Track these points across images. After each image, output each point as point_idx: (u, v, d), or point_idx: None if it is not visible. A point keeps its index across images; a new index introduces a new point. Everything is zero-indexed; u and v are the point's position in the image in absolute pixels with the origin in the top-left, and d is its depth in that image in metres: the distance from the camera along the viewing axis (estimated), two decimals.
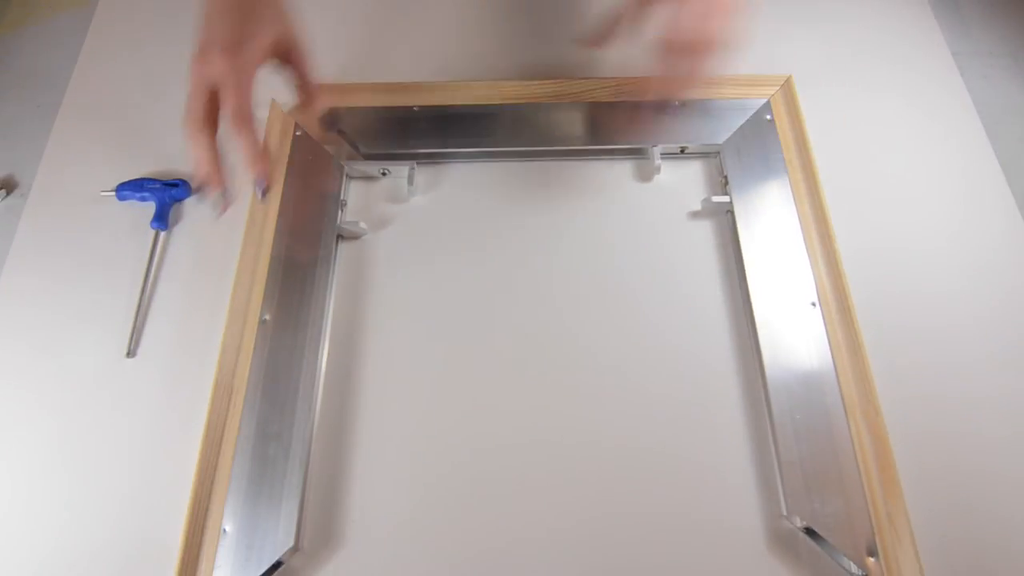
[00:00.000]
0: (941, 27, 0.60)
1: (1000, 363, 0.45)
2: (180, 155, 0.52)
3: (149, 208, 0.50)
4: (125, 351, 0.45)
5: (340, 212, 0.48)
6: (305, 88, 0.44)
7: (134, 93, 0.56)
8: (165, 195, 0.50)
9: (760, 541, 0.40)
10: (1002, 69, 0.59)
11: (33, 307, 0.47)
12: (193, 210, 0.51)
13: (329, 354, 0.46)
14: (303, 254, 0.46)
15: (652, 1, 0.43)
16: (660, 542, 0.40)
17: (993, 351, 0.46)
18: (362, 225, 0.49)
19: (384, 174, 0.51)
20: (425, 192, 0.52)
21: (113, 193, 0.50)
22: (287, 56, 0.43)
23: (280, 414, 0.41)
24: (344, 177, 0.50)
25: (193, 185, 0.48)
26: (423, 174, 0.52)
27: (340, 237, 0.49)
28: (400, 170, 0.50)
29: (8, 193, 0.53)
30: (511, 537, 0.41)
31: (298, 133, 0.46)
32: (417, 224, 0.50)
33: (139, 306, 0.47)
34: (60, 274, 0.49)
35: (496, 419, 0.44)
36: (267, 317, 0.44)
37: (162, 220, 0.49)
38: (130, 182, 0.50)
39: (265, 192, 0.44)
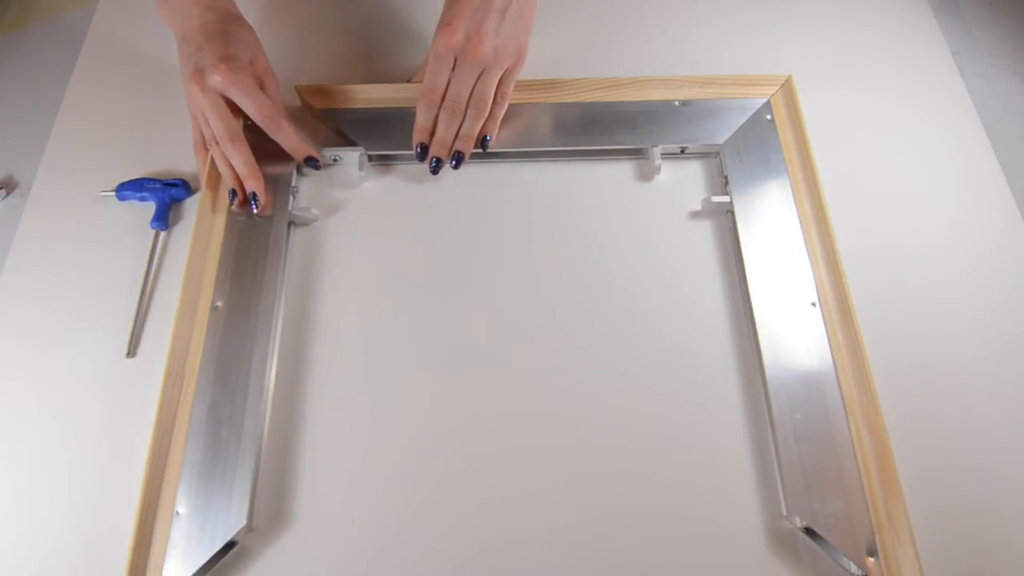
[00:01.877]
0: (941, 27, 0.60)
1: (1000, 363, 0.45)
2: (180, 155, 0.52)
3: (149, 208, 0.50)
4: (125, 351, 0.46)
5: (292, 199, 0.49)
6: (276, 115, 0.46)
7: (134, 93, 0.56)
8: (165, 195, 0.50)
9: (760, 541, 0.40)
10: (1002, 69, 0.59)
11: (33, 307, 0.47)
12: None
13: (282, 339, 0.46)
14: (254, 241, 0.46)
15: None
16: (660, 542, 0.40)
17: (993, 351, 0.46)
18: (314, 211, 0.49)
19: (335, 160, 0.51)
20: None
21: (113, 193, 0.50)
22: (261, 80, 0.46)
23: (232, 398, 0.42)
24: (295, 164, 0.50)
25: (233, 204, 0.47)
26: (408, 171, 0.52)
27: (292, 224, 0.49)
28: (351, 156, 0.50)
29: (8, 193, 0.53)
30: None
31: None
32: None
33: (139, 306, 0.47)
34: (60, 274, 0.48)
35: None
36: (219, 304, 0.45)
37: (162, 220, 0.49)
38: (130, 182, 0.50)
39: (261, 209, 0.46)
